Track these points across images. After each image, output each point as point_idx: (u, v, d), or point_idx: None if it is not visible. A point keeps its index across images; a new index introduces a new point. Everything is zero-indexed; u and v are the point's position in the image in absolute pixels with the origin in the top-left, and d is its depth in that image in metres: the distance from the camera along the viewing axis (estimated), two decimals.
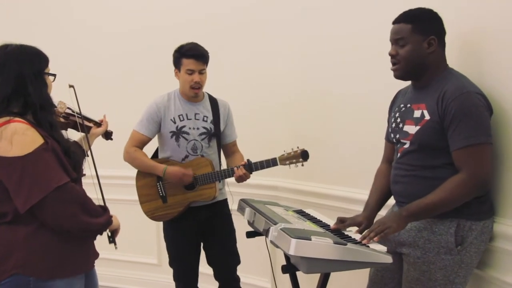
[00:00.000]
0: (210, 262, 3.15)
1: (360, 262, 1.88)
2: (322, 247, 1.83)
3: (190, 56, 2.89)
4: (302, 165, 2.82)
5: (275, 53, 3.48)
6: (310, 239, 1.83)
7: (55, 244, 2.03)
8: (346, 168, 3.08)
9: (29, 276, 1.98)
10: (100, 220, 2.10)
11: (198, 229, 3.05)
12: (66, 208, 1.98)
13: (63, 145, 2.07)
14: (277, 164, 2.83)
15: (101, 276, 4.20)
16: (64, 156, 2.05)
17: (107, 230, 2.25)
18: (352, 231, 2.19)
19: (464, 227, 2.02)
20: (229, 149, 3.15)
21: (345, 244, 1.86)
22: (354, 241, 1.99)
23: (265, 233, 2.09)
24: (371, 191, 2.36)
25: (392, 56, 2.13)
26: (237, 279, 3.15)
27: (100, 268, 4.07)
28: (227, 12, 3.70)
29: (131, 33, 4.10)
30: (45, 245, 2.01)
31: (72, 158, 2.09)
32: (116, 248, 2.33)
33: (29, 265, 1.98)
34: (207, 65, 2.96)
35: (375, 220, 2.20)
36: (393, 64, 2.15)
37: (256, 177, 3.44)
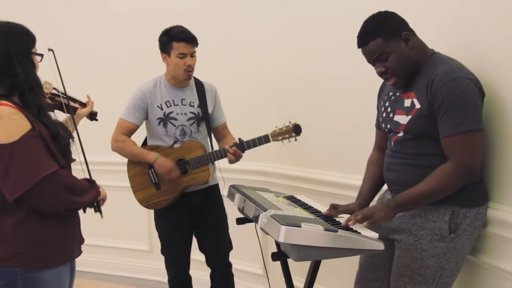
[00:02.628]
0: (202, 248, 3.11)
1: (351, 249, 1.84)
2: (313, 234, 1.79)
3: (182, 39, 2.82)
4: (296, 139, 2.76)
5: (264, 37, 3.42)
6: (300, 226, 1.79)
7: (42, 234, 1.99)
8: (338, 153, 3.04)
9: (16, 267, 1.94)
10: (88, 196, 2.08)
11: (189, 215, 3.00)
12: (55, 195, 1.94)
13: (52, 130, 2.01)
14: (269, 141, 2.77)
15: (94, 263, 4.27)
16: (52, 142, 1.99)
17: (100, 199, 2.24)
18: (343, 218, 2.15)
19: (459, 214, 1.98)
20: (220, 132, 3.09)
21: (336, 231, 1.82)
22: (345, 228, 1.95)
23: (255, 219, 2.05)
24: (363, 179, 2.32)
25: (383, 73, 2.06)
26: (229, 265, 3.11)
27: (92, 255, 4.11)
28: None
29: (123, 18, 4.05)
30: (32, 236, 1.97)
31: (60, 143, 2.03)
32: (102, 217, 2.28)
33: (16, 257, 1.94)
34: (196, 47, 2.90)
35: None
36: (388, 79, 2.07)
37: (247, 163, 3.40)
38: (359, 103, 2.81)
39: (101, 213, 2.30)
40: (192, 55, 2.86)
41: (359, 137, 2.77)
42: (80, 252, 2.20)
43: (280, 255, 1.94)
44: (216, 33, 3.61)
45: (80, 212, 2.18)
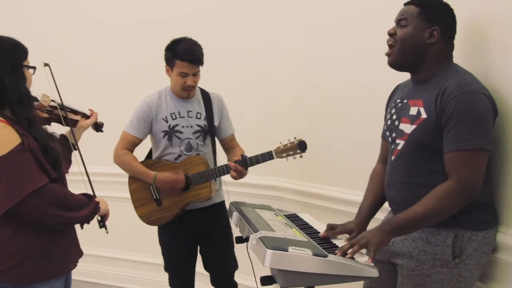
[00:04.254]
0: (206, 267, 3.02)
1: (342, 276, 1.70)
2: (300, 259, 1.67)
3: (186, 60, 2.71)
4: (301, 156, 2.65)
5: (272, 48, 3.33)
6: (286, 250, 1.66)
7: (34, 248, 1.98)
8: (351, 170, 2.90)
9: (6, 282, 1.92)
10: (84, 211, 2.06)
11: (194, 233, 2.92)
12: (44, 210, 1.91)
13: (41, 143, 1.98)
14: (273, 158, 2.66)
15: (105, 275, 4.23)
16: (42, 155, 1.96)
17: (97, 216, 2.20)
18: (342, 239, 2.03)
19: (463, 237, 1.83)
20: (227, 144, 2.99)
21: (326, 256, 1.70)
22: None
23: (247, 240, 1.95)
24: (364, 195, 2.18)
25: (390, 35, 1.96)
26: (234, 285, 3.01)
27: (102, 266, 4.07)
28: (225, 4, 3.56)
29: (126, 27, 4.00)
30: (23, 250, 1.96)
31: (50, 156, 2.01)
32: (107, 232, 2.29)
33: (5, 272, 1.93)
34: (202, 66, 2.80)
35: (368, 227, 2.04)
36: (390, 47, 1.96)
37: (258, 177, 3.32)
38: (373, 118, 2.65)
39: (106, 228, 2.29)
40: (195, 74, 2.77)
41: (373, 154, 2.63)
42: (75, 265, 2.17)
43: (269, 280, 1.82)
44: (224, 40, 3.53)
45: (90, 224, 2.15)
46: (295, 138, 2.66)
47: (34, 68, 2.09)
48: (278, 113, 3.35)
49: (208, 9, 3.62)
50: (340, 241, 2.00)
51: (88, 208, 2.08)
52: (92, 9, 4.12)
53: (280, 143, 2.66)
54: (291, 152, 2.64)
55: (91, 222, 2.18)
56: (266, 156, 2.66)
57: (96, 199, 2.19)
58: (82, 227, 2.17)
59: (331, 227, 2.07)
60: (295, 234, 1.98)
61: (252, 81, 3.47)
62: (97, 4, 4.10)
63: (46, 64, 2.31)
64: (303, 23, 3.12)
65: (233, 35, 3.53)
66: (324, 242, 1.97)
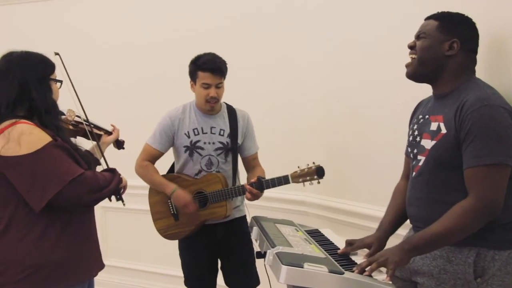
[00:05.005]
0: (227, 283, 3.01)
1: None
2: (315, 275, 1.65)
3: (206, 69, 2.73)
4: (318, 182, 2.64)
5: (300, 61, 3.31)
6: (302, 266, 1.66)
7: (55, 254, 2.02)
8: (379, 186, 2.83)
9: None
10: (112, 184, 2.16)
11: (214, 247, 2.92)
12: (82, 198, 2.01)
13: (71, 145, 2.10)
14: (289, 182, 2.65)
15: (125, 286, 4.25)
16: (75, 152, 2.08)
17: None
18: (361, 256, 2.00)
19: (486, 256, 1.77)
20: (249, 163, 2.99)
21: (342, 273, 1.68)
22: None
23: (264, 256, 1.94)
24: (386, 209, 2.15)
25: (410, 47, 1.95)
26: None
27: (123, 277, 4.09)
28: (255, 18, 3.56)
29: (149, 42, 4.04)
30: (44, 257, 2.00)
31: (80, 154, 2.13)
32: (124, 204, 2.37)
33: (25, 279, 1.97)
34: (224, 78, 2.81)
35: (388, 243, 2.01)
36: (411, 59, 1.96)
37: (284, 191, 3.29)
38: (403, 133, 2.63)
39: (123, 201, 2.37)
40: (218, 86, 2.77)
41: (401, 168, 2.59)
42: (96, 273, 2.22)
43: None
44: (249, 55, 3.53)
45: (106, 237, 2.22)
46: (313, 163, 2.65)
47: (60, 81, 2.20)
48: (306, 128, 3.33)
49: (235, 23, 3.63)
50: (359, 258, 1.97)
51: (114, 181, 2.18)
52: (117, 24, 4.18)
53: (298, 167, 2.66)
54: (307, 178, 2.63)
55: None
56: (282, 180, 2.66)
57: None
58: (110, 199, 2.26)
59: (349, 243, 2.04)
60: (313, 250, 1.96)
61: (278, 96, 3.46)
62: (124, 20, 4.16)
63: (56, 53, 2.39)
64: (329, 37, 3.11)
65: (259, 51, 3.53)
66: (342, 259, 1.95)
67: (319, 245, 2.08)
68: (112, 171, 2.24)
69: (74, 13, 4.30)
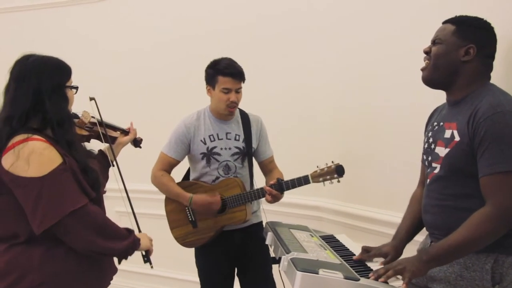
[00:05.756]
0: None
1: None
2: (331, 281, 1.64)
3: (228, 74, 2.73)
4: (338, 181, 2.62)
5: (314, 64, 3.29)
6: (317, 273, 1.65)
7: (69, 265, 1.99)
8: (395, 191, 2.81)
9: None
10: (122, 244, 2.04)
11: (231, 254, 2.91)
12: (82, 232, 1.94)
13: (81, 163, 2.02)
14: (309, 182, 2.64)
15: None
16: (82, 176, 2.00)
17: (141, 250, 2.20)
18: (377, 263, 1.98)
19: (504, 263, 1.75)
20: (266, 167, 2.98)
21: (358, 279, 1.66)
22: None
23: (279, 261, 1.93)
24: (403, 217, 2.13)
25: (426, 53, 1.93)
26: None
27: (138, 282, 4.08)
28: (265, 20, 3.56)
29: (166, 43, 4.04)
30: (58, 266, 1.97)
31: (90, 177, 2.04)
32: (151, 267, 2.28)
33: (41, 286, 1.94)
34: (243, 83, 2.82)
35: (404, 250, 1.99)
36: (426, 65, 1.94)
37: (298, 196, 3.28)
38: (418, 138, 2.61)
39: (150, 263, 2.28)
40: (238, 91, 2.77)
41: (417, 174, 2.57)
42: (109, 283, 2.18)
43: None
44: (262, 58, 3.52)
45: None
46: (332, 162, 2.63)
47: (76, 88, 2.14)
48: (320, 132, 3.32)
49: (247, 26, 3.62)
50: (375, 265, 1.95)
51: (126, 241, 2.06)
52: (140, 24, 4.19)
53: (317, 167, 2.64)
54: (328, 177, 2.61)
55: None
56: (302, 181, 2.64)
57: (137, 234, 2.17)
58: (119, 262, 2.16)
59: (366, 250, 2.02)
60: (328, 256, 1.95)
61: (291, 99, 3.45)
62: (147, 20, 4.17)
63: (92, 99, 2.37)
64: (343, 40, 3.09)
65: (271, 53, 3.52)
66: (358, 265, 1.94)
67: (334, 251, 2.07)
68: (129, 231, 2.12)
69: (81, 17, 4.35)
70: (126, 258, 2.12)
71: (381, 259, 1.99)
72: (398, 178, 2.78)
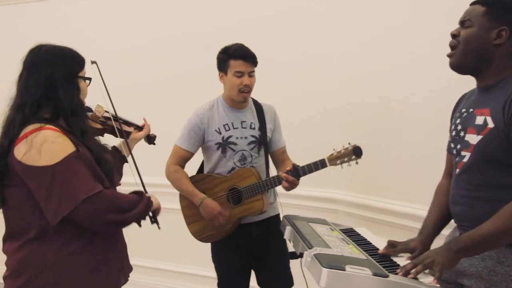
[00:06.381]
0: (260, 284, 2.93)
1: None
2: (358, 278, 1.55)
3: (239, 57, 2.67)
4: (356, 163, 2.52)
5: (328, 55, 3.22)
6: (344, 269, 1.56)
7: (83, 262, 1.94)
8: (413, 182, 2.75)
9: None
10: (138, 208, 2.02)
11: (248, 248, 2.83)
12: (99, 217, 1.90)
13: (95, 154, 1.98)
14: (326, 165, 2.54)
15: (156, 286, 4.19)
16: (96, 165, 1.95)
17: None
18: (403, 257, 1.89)
19: None
20: (278, 157, 2.89)
21: (387, 276, 1.58)
22: None
23: (301, 257, 1.85)
24: (429, 210, 2.03)
25: (453, 36, 1.82)
26: None
27: (153, 278, 4.03)
28: (277, 12, 3.49)
29: (177, 36, 3.96)
30: (72, 264, 1.92)
31: (103, 168, 2.00)
32: (159, 228, 2.23)
33: (56, 285, 1.90)
34: (256, 67, 2.74)
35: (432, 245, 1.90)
36: (452, 48, 1.83)
37: (314, 189, 3.22)
38: (438, 126, 2.50)
39: (158, 224, 2.24)
40: (251, 74, 2.70)
41: (437, 165, 2.47)
42: (126, 280, 2.14)
43: None
44: (278, 49, 3.45)
45: (131, 237, 2.11)
46: (349, 143, 2.53)
47: (89, 79, 2.10)
48: (336, 124, 3.24)
49: (263, 18, 3.56)
50: (401, 259, 1.87)
51: (141, 204, 2.05)
52: (151, 17, 4.11)
53: (334, 149, 2.55)
54: (345, 159, 2.52)
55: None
56: (319, 164, 2.55)
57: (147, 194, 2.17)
58: (140, 225, 2.13)
59: (392, 244, 1.93)
60: (353, 251, 1.86)
61: (303, 91, 3.38)
62: (158, 12, 4.09)
63: (93, 62, 2.30)
64: (360, 31, 3.02)
65: (288, 45, 3.45)
66: (384, 260, 1.85)
67: (357, 245, 1.98)
68: (139, 194, 2.12)
69: (87, 11, 4.27)
70: (144, 219, 2.12)
71: (408, 254, 1.90)
72: (417, 169, 2.71)
